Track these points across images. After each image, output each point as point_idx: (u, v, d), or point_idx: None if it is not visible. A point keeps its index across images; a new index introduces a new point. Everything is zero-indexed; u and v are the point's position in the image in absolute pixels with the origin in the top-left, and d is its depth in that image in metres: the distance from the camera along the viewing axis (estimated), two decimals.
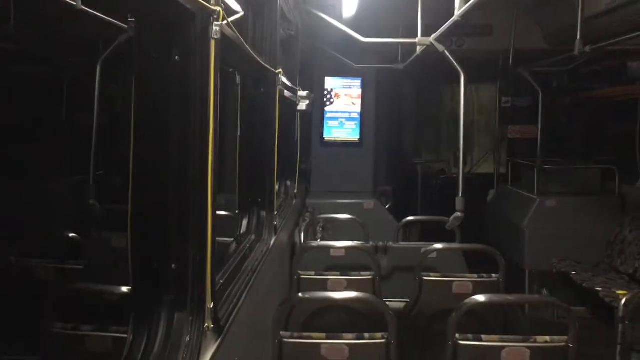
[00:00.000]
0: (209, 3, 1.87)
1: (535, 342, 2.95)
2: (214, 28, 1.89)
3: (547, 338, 2.96)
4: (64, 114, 6.03)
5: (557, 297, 3.87)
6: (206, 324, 1.90)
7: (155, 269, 1.86)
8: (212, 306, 1.92)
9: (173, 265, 1.86)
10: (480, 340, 3.00)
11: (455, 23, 4.31)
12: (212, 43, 1.89)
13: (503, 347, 2.94)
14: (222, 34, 1.94)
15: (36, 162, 5.56)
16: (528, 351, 2.91)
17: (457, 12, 4.08)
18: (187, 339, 1.84)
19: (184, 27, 1.82)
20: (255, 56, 2.93)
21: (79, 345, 2.61)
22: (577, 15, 5.07)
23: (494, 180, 9.17)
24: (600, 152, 8.23)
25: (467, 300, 3.14)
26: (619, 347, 4.54)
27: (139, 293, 1.86)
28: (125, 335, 1.92)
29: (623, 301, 4.75)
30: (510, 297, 3.82)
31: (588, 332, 5.40)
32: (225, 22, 1.98)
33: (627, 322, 4.24)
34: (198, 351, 1.85)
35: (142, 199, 1.84)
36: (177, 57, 1.81)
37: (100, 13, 3.60)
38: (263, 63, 3.32)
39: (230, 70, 3.62)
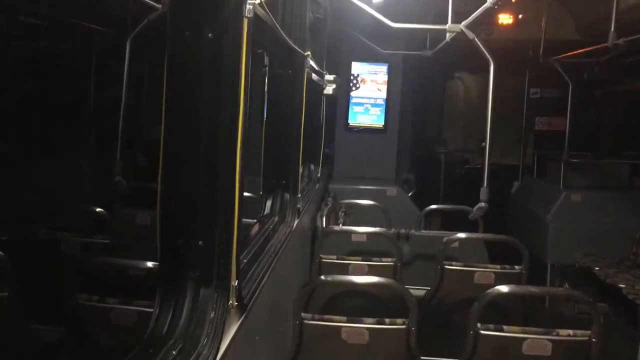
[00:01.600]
0: None
1: (557, 335, 2.92)
2: (247, 6, 1.88)
3: (570, 332, 2.93)
4: (92, 91, 6.10)
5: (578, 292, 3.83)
6: (230, 301, 1.92)
7: (182, 245, 1.88)
8: (236, 284, 1.94)
9: (200, 243, 1.88)
10: (502, 330, 2.98)
11: (487, 10, 4.25)
12: (245, 22, 1.88)
13: (524, 339, 2.92)
14: (254, 13, 1.94)
15: (64, 138, 5.64)
16: (550, 344, 2.89)
17: None
18: (212, 315, 1.85)
19: (217, 6, 1.82)
20: (286, 37, 2.92)
21: (105, 317, 2.65)
22: (612, 6, 4.96)
23: (518, 171, 9.07)
24: (630, 146, 8.07)
25: (490, 290, 3.12)
26: None
27: (166, 269, 1.88)
28: (149, 310, 1.94)
29: None
30: (534, 289, 3.79)
31: (610, 328, 5.34)
32: (257, 1, 1.97)
33: None
34: (222, 327, 1.87)
35: (172, 177, 1.85)
36: (210, 35, 1.81)
37: None
38: (292, 44, 3.31)
39: (259, 51, 3.62)
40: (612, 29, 4.96)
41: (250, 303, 2.22)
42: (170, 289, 1.86)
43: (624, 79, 8.22)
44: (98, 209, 4.24)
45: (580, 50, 6.46)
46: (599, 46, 5.60)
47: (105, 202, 4.55)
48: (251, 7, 1.88)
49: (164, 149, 1.83)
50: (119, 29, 5.09)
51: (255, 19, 2.01)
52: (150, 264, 2.74)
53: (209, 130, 1.87)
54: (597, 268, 6.24)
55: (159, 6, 3.95)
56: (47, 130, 5.38)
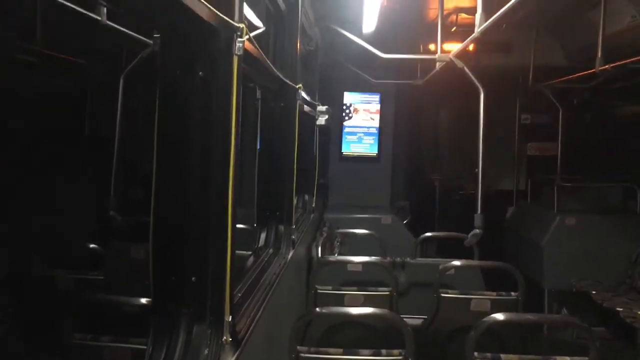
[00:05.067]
0: (232, 19, 1.89)
1: None
2: (237, 44, 1.91)
3: (567, 358, 2.92)
4: (87, 127, 6.12)
5: (576, 317, 3.83)
6: (224, 337, 1.91)
7: (176, 281, 1.87)
8: (230, 319, 1.93)
9: (193, 278, 1.88)
10: (499, 359, 2.96)
11: (475, 40, 4.31)
12: (235, 59, 1.91)
13: None
14: (244, 49, 1.97)
15: (59, 174, 5.64)
16: None
17: (477, 29, 4.08)
18: (206, 352, 1.84)
19: (207, 44, 1.85)
20: (276, 71, 2.96)
21: (98, 356, 2.63)
22: (598, 32, 5.05)
23: (512, 197, 9.10)
24: (621, 170, 8.13)
25: (486, 318, 3.10)
26: None
27: (159, 305, 1.87)
28: (143, 347, 1.93)
29: None
30: (530, 316, 3.77)
31: (608, 353, 5.31)
32: (247, 37, 2.01)
33: None
34: None
35: (164, 212, 1.86)
36: (201, 73, 1.84)
37: (124, 28, 3.67)
38: (283, 78, 3.35)
39: (251, 85, 3.66)
40: (599, 55, 5.04)
41: (245, 338, 2.21)
42: (164, 326, 1.85)
43: (613, 103, 8.32)
44: (92, 245, 4.23)
45: (568, 77, 6.55)
46: (587, 72, 5.68)
47: (99, 237, 4.54)
48: (241, 44, 1.92)
49: (156, 185, 1.84)
50: (113, 65, 5.14)
51: (246, 55, 2.05)
52: (144, 300, 2.72)
53: (201, 166, 1.89)
54: (594, 292, 6.22)
55: (152, 42, 4.01)
56: (40, 165, 5.38)
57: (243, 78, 2.03)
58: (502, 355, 2.97)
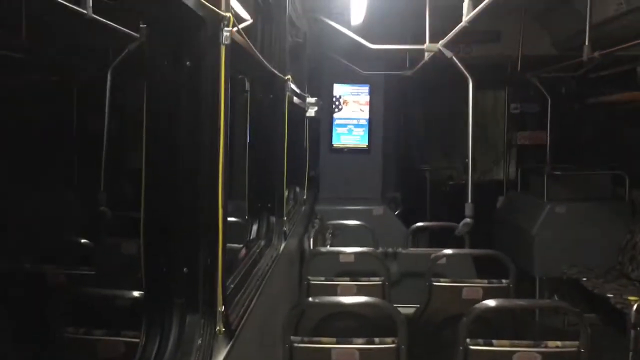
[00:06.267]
0: (219, 9, 1.89)
1: (546, 347, 2.93)
2: (224, 34, 1.91)
3: (559, 343, 2.95)
4: (75, 122, 6.08)
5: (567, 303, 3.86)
6: (217, 327, 1.91)
7: (167, 273, 1.87)
8: (223, 310, 1.94)
9: (185, 269, 1.87)
10: (491, 345, 2.99)
11: (463, 29, 4.31)
12: (222, 49, 1.91)
13: (514, 352, 2.93)
14: (232, 39, 1.97)
15: (48, 170, 5.61)
16: (539, 356, 2.90)
17: (465, 18, 4.08)
18: (199, 342, 1.84)
19: (194, 34, 1.84)
20: (265, 62, 2.96)
21: (91, 350, 2.62)
22: (585, 20, 5.07)
23: (503, 186, 9.15)
24: (610, 157, 8.19)
25: (478, 305, 3.13)
26: (631, 353, 4.51)
27: (151, 296, 1.87)
28: (136, 340, 1.93)
29: (635, 307, 4.73)
30: (522, 302, 3.81)
31: (599, 339, 5.36)
32: (235, 28, 2.00)
33: (639, 328, 4.21)
34: (210, 355, 1.86)
35: (154, 204, 1.85)
36: (188, 63, 1.83)
37: (110, 21, 3.64)
38: (272, 69, 3.34)
39: (240, 76, 3.65)
40: (587, 43, 5.05)
41: (238, 328, 2.21)
42: (156, 317, 1.85)
43: (601, 92, 8.36)
44: (83, 240, 4.21)
45: (556, 65, 6.58)
46: (574, 60, 5.70)
47: (90, 233, 4.52)
48: (228, 34, 1.91)
49: (146, 177, 1.83)
50: (100, 59, 5.10)
51: (234, 45, 2.04)
52: (136, 293, 2.72)
53: (190, 157, 1.88)
54: (584, 279, 6.28)
55: (138, 35, 3.98)
56: (30, 162, 5.35)
57: (231, 69, 2.02)
58: (494, 341, 3.00)
